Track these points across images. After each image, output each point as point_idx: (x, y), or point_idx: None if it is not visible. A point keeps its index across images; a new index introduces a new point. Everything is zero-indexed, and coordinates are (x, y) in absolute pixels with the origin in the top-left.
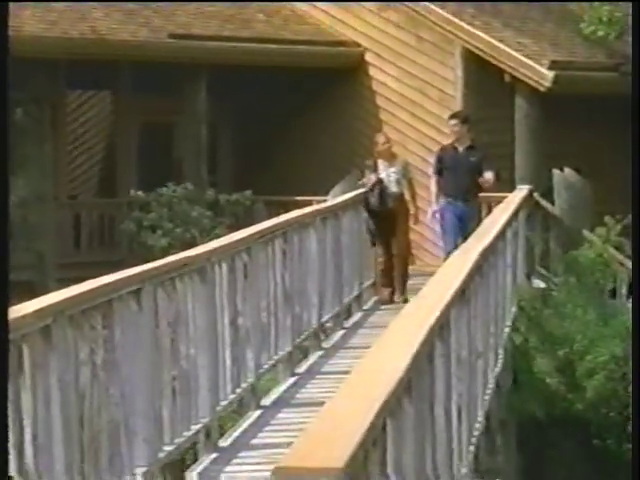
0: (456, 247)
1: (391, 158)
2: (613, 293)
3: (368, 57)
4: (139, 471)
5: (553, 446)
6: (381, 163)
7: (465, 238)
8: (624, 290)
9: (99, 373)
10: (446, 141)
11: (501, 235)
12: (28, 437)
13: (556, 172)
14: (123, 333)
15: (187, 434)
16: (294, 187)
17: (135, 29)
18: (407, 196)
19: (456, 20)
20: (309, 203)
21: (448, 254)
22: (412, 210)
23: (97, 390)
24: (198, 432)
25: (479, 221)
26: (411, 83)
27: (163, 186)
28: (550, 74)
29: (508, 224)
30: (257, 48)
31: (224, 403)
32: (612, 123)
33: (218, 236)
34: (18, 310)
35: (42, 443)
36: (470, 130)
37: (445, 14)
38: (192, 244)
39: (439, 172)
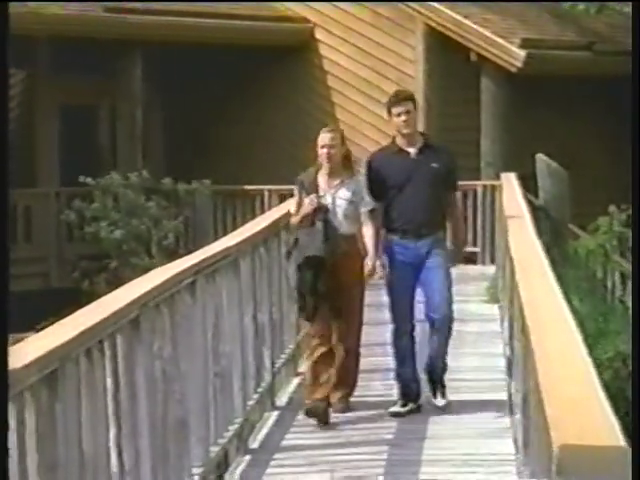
0: (410, 319)
1: (342, 171)
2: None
3: (318, 34)
4: (196, 471)
5: None
6: (324, 179)
7: (429, 296)
8: (617, 282)
9: (166, 368)
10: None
11: None
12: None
13: (539, 157)
14: (181, 327)
15: (227, 434)
16: (237, 175)
17: (65, 2)
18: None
19: None
20: (260, 192)
21: (397, 331)
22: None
23: (165, 386)
24: (234, 433)
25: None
26: (366, 63)
27: (105, 174)
28: (522, 53)
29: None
30: (194, 23)
31: (250, 403)
32: (586, 106)
33: (175, 227)
34: (107, 301)
35: (131, 441)
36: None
37: None
38: (147, 236)
39: (377, 194)
